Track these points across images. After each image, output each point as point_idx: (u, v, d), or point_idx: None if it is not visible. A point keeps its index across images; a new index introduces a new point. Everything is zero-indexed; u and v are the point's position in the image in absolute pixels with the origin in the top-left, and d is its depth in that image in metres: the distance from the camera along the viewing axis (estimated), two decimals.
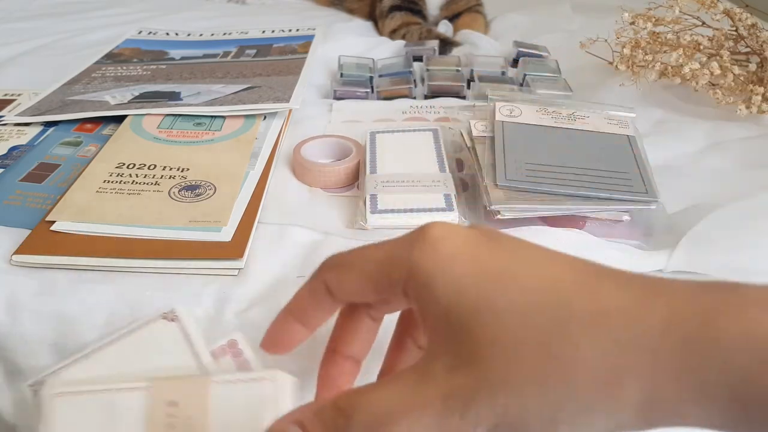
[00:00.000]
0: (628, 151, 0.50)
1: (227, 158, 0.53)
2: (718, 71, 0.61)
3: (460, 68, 0.72)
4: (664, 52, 0.66)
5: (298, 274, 0.43)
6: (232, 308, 0.40)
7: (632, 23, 0.67)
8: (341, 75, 0.71)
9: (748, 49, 0.65)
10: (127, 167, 0.52)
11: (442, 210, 0.46)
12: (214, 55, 0.80)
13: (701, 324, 0.21)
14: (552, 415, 0.22)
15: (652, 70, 0.65)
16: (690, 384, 0.21)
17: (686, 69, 0.62)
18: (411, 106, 0.65)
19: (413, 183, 0.49)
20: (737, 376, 0.21)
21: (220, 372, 0.32)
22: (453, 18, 0.93)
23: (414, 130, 0.57)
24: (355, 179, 0.53)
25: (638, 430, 0.23)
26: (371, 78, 0.71)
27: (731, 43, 0.65)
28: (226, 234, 0.44)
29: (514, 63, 0.75)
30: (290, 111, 0.62)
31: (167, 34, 0.87)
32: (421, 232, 0.26)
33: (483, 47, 0.82)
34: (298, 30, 0.86)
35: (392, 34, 0.89)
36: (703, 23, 0.67)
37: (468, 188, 0.51)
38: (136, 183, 0.50)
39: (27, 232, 0.45)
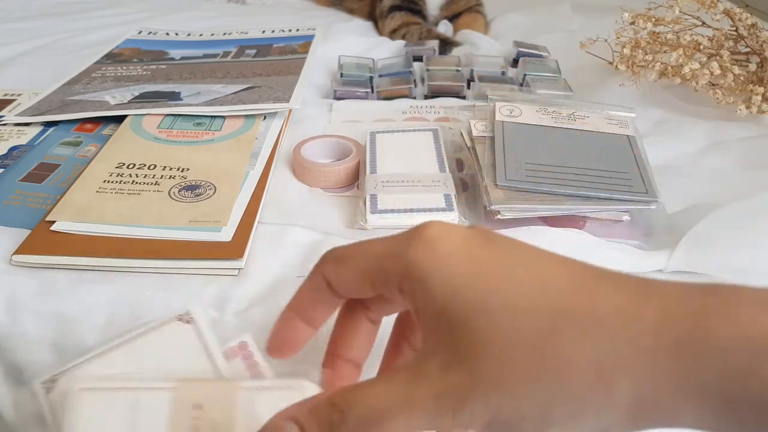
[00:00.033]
0: (628, 151, 0.50)
1: (227, 158, 0.53)
2: (718, 71, 0.61)
3: (460, 68, 0.72)
4: (664, 52, 0.66)
5: (298, 274, 0.43)
6: (232, 308, 0.40)
7: (632, 23, 0.67)
8: (341, 75, 0.71)
9: (748, 49, 0.65)
10: (127, 167, 0.52)
11: (442, 210, 0.46)
12: (214, 55, 0.80)
13: (694, 324, 0.22)
14: (544, 415, 0.23)
15: (652, 70, 0.65)
16: (682, 384, 0.21)
17: (686, 69, 0.62)
18: (411, 106, 0.65)
19: (413, 183, 0.49)
20: (729, 376, 0.21)
21: (245, 377, 0.32)
22: (453, 18, 0.93)
23: (414, 130, 0.57)
24: (355, 179, 0.53)
25: (629, 431, 0.23)
26: (371, 78, 0.71)
27: (731, 43, 0.65)
28: (226, 234, 0.44)
29: (514, 63, 0.75)
30: (290, 111, 0.62)
31: (167, 34, 0.87)
32: (419, 230, 0.26)
33: (483, 47, 0.82)
34: (298, 30, 0.86)
35: (392, 34, 0.89)
36: (703, 23, 0.67)
37: (468, 188, 0.51)
38: (136, 183, 0.50)
39: (27, 232, 0.45)
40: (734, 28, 0.65)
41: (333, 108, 0.65)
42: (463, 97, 0.68)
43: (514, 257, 0.25)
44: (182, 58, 0.79)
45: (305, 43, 0.81)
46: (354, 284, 0.28)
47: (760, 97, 0.59)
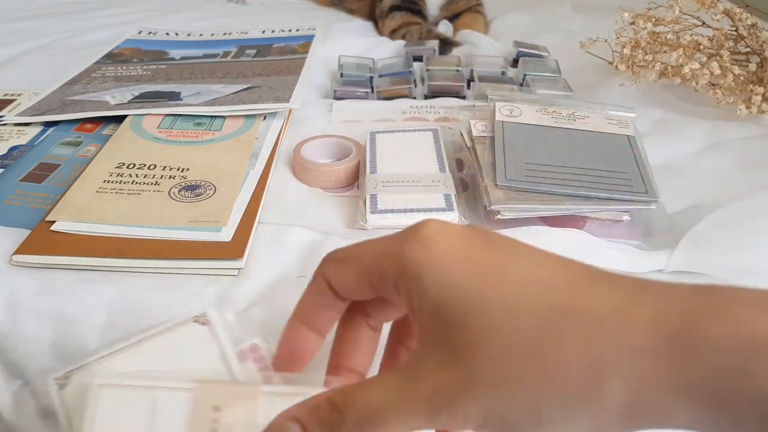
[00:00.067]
0: (628, 151, 0.50)
1: (227, 158, 0.53)
2: (718, 71, 0.61)
3: (460, 68, 0.72)
4: (664, 52, 0.66)
5: (298, 274, 0.43)
6: (232, 308, 0.40)
7: (632, 23, 0.67)
8: (341, 75, 0.71)
9: (748, 49, 0.65)
10: (127, 167, 0.52)
11: (442, 210, 0.46)
12: (214, 55, 0.80)
13: (687, 324, 0.22)
14: (540, 415, 0.23)
15: (652, 70, 0.65)
16: (674, 384, 0.21)
17: (686, 69, 0.62)
18: (411, 106, 0.65)
19: (413, 183, 0.49)
20: (721, 376, 0.21)
21: (259, 380, 0.32)
22: (453, 18, 0.93)
23: (414, 130, 0.57)
24: (355, 179, 0.53)
25: (622, 431, 0.23)
26: (371, 78, 0.71)
27: (731, 43, 0.65)
28: (226, 234, 0.44)
29: (514, 63, 0.75)
30: (290, 111, 0.62)
31: (167, 34, 0.87)
32: (416, 228, 0.26)
33: (483, 47, 0.82)
34: (298, 30, 0.86)
35: (392, 34, 0.89)
36: (703, 23, 0.67)
37: (468, 188, 0.51)
38: (136, 183, 0.50)
39: (27, 232, 0.45)
40: (734, 28, 0.66)
41: (333, 108, 0.65)
42: (463, 97, 0.68)
43: (512, 256, 0.25)
44: (182, 58, 0.79)
45: (305, 43, 0.81)
46: (354, 284, 0.28)
47: (760, 97, 0.59)
